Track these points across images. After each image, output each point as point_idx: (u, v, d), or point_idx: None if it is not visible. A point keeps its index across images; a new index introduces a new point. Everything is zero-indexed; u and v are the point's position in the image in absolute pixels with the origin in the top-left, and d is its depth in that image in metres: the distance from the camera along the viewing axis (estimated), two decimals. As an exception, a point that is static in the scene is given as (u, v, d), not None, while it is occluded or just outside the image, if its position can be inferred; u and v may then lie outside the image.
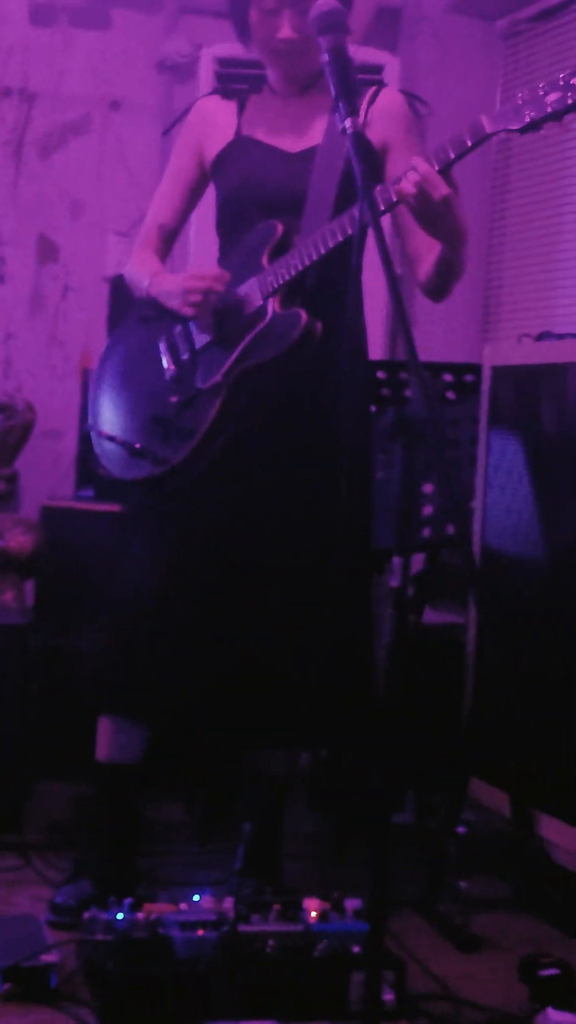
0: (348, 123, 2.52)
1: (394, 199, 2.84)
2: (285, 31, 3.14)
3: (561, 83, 2.59)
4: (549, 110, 2.61)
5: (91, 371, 3.55)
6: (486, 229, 5.49)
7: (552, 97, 2.60)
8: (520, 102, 2.65)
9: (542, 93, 2.61)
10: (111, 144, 5.35)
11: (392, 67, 4.92)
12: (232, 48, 3.27)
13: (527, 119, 2.64)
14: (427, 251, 3.10)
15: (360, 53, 4.07)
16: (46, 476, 5.14)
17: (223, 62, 4.79)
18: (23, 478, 4.90)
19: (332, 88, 2.57)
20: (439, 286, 3.16)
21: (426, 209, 2.83)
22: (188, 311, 3.18)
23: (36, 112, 5.28)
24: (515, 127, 2.67)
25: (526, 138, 2.69)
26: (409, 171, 2.79)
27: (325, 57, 2.60)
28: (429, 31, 5.46)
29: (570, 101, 2.58)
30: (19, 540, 4.22)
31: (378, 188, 2.84)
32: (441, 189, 2.78)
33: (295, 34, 3.13)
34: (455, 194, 2.83)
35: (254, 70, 3.30)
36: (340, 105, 2.54)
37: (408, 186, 2.79)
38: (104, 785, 3.39)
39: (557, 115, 2.61)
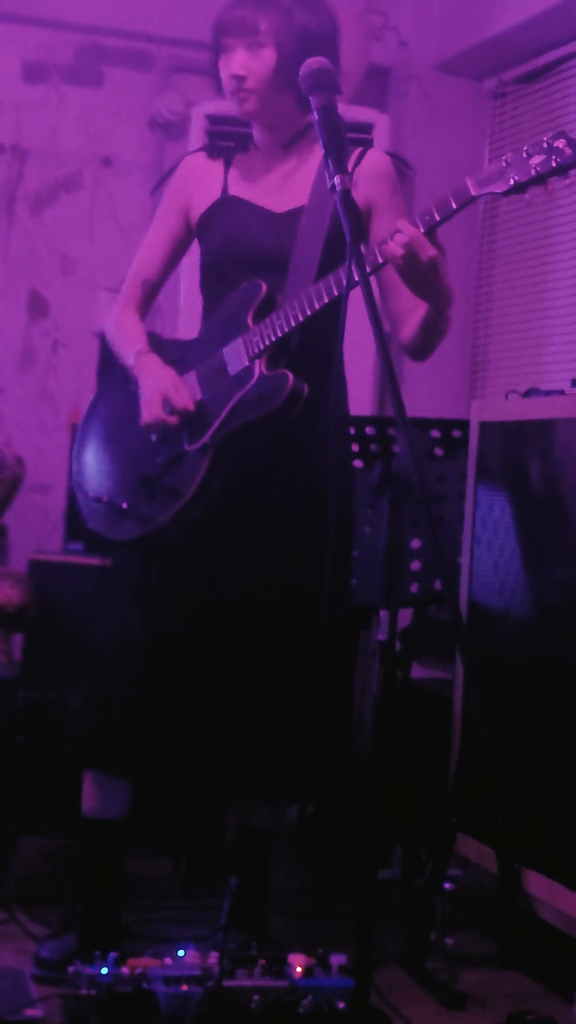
0: (337, 180, 2.55)
1: (380, 260, 2.87)
2: (233, 67, 3.15)
3: (545, 146, 2.63)
4: (533, 173, 2.64)
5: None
6: (474, 286, 5.53)
7: (536, 160, 2.64)
8: (504, 165, 2.68)
9: (526, 156, 2.65)
10: (102, 201, 5.39)
11: (381, 125, 4.98)
12: (223, 106, 3.29)
13: (511, 182, 2.67)
14: (410, 311, 3.12)
15: (350, 111, 4.12)
16: (35, 530, 5.15)
17: (214, 120, 4.84)
18: (12, 532, 4.91)
19: (322, 145, 2.60)
20: (422, 346, 3.17)
21: (413, 270, 2.85)
22: (147, 417, 3.19)
23: (28, 168, 5.32)
24: (499, 190, 2.70)
25: (513, 196, 2.72)
26: (396, 233, 2.81)
27: (315, 116, 2.65)
28: (418, 90, 5.53)
29: (554, 164, 2.61)
30: (7, 593, 4.22)
31: (364, 250, 2.86)
32: (427, 251, 2.81)
33: (242, 71, 3.13)
34: (441, 256, 2.85)
35: (244, 128, 3.33)
36: (329, 162, 2.57)
37: (395, 248, 2.81)
38: (89, 839, 3.38)
39: (541, 178, 2.64)
